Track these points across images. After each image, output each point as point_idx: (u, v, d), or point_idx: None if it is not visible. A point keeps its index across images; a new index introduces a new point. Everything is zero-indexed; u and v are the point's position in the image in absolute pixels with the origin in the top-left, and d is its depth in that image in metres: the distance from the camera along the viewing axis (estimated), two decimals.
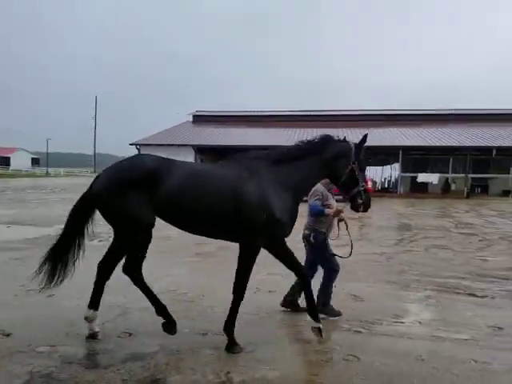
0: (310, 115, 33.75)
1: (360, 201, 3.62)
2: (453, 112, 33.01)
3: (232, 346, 3.31)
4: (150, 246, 3.61)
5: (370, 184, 19.07)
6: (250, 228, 3.34)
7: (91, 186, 3.47)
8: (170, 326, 3.50)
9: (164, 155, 3.66)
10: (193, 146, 26.43)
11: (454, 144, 25.08)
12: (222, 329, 3.40)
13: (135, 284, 3.56)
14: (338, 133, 4.31)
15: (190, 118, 35.57)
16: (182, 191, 3.26)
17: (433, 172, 26.41)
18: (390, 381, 2.91)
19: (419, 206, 19.46)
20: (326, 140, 3.66)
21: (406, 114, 32.74)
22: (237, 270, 3.43)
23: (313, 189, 3.96)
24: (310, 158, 3.57)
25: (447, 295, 5.00)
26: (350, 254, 3.97)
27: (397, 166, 24.67)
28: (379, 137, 26.62)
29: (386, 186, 24.94)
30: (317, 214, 4.09)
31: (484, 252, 8.00)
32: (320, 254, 4.19)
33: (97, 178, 3.52)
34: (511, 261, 7.15)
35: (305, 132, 28.23)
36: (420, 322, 4.05)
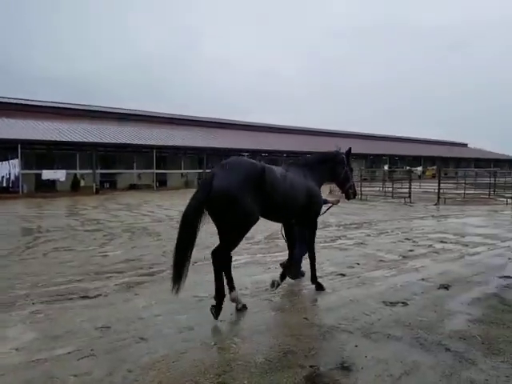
0: None
1: (351, 191, 5.60)
2: (77, 107, 34.02)
3: (320, 287, 5.15)
4: None
5: None
6: (315, 212, 5.06)
7: (210, 185, 3.90)
8: (218, 310, 4.16)
9: None
10: None
11: (80, 140, 25.52)
12: (311, 280, 5.22)
13: (220, 268, 4.22)
14: None
15: None
16: (282, 189, 4.40)
17: (59, 168, 25.88)
18: None
19: (46, 206, 18.56)
20: (334, 152, 5.54)
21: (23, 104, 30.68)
22: (308, 241, 5.22)
23: None
24: (326, 165, 5.38)
25: (59, 305, 4.70)
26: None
27: (16, 162, 22.38)
28: None
29: (5, 185, 22.20)
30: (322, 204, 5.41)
31: (106, 247, 8.34)
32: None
33: (214, 177, 3.94)
34: (129, 252, 7.76)
35: None
36: (17, 349, 3.52)
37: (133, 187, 30.64)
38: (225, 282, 4.32)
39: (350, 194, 5.63)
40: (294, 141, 43.03)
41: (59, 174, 24.44)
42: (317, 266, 5.35)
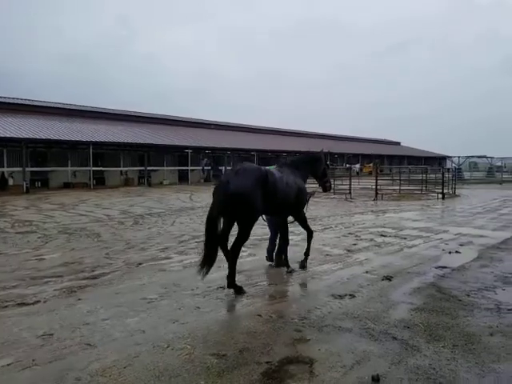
0: None
1: (328, 185, 6.87)
2: (3, 100, 31.80)
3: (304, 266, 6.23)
4: None
5: None
6: (302, 204, 6.10)
7: (228, 186, 4.77)
8: (239, 290, 4.97)
9: None
10: None
11: (7, 135, 23.78)
12: (304, 253, 6.29)
13: (234, 256, 4.99)
14: None
15: None
16: (281, 188, 5.34)
17: None
18: None
19: None
20: (315, 153, 6.71)
21: None
22: (303, 226, 6.31)
23: None
24: (308, 164, 6.47)
25: None
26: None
27: None
28: None
29: None
30: None
31: (42, 250, 7.86)
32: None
33: (229, 180, 4.84)
34: (67, 255, 7.36)
35: None
36: None
37: (67, 186, 29.02)
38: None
39: (326, 187, 6.86)
40: (236, 138, 43.12)
41: None
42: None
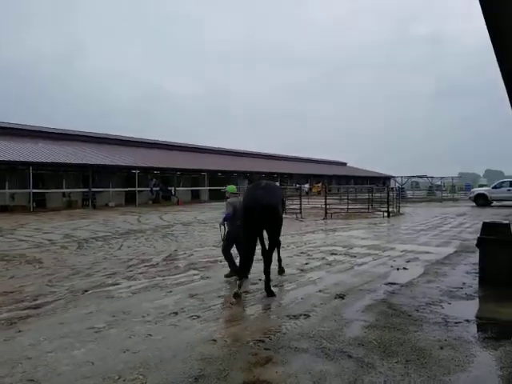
0: None
1: None
2: None
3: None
4: None
5: None
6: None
7: (259, 201, 5.79)
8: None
9: None
10: None
11: None
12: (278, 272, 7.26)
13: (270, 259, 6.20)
14: None
15: None
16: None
17: None
18: None
19: None
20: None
21: None
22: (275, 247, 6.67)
23: (228, 201, 6.97)
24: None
25: None
26: None
27: None
28: None
29: None
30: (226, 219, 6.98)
31: None
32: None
33: (260, 196, 5.88)
34: (6, 283, 6.86)
35: None
36: None
37: (4, 209, 27.21)
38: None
39: None
40: (185, 158, 42.80)
41: None
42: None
